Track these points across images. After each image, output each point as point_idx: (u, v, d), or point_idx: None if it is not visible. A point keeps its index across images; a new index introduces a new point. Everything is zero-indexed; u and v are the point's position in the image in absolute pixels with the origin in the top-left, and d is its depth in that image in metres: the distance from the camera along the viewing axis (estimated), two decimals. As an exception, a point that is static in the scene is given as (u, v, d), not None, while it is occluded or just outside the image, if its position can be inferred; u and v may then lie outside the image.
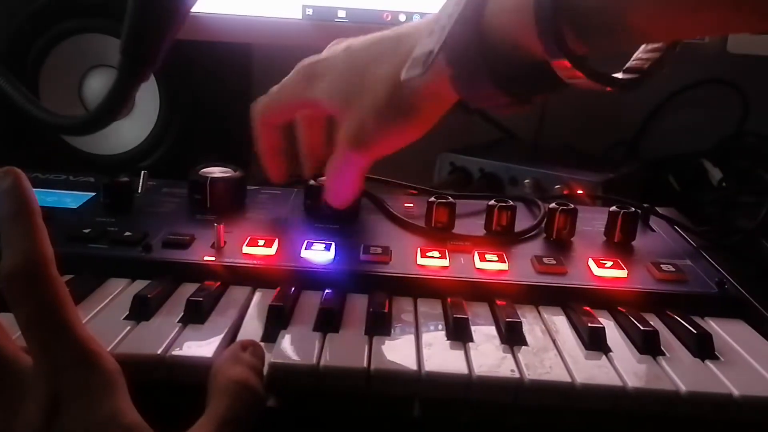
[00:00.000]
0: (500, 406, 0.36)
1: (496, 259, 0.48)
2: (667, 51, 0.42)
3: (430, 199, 0.54)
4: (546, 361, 0.38)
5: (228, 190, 0.55)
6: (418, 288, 0.46)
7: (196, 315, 0.40)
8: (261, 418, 0.33)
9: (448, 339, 0.40)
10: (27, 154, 0.74)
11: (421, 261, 0.47)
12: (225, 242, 0.48)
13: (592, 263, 0.48)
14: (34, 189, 0.33)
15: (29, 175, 0.33)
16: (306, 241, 0.49)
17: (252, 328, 0.41)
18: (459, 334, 0.40)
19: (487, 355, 0.38)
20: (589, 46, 0.38)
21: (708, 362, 0.39)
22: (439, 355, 0.38)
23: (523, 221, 0.55)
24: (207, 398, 0.33)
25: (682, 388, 0.36)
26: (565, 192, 0.71)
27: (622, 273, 0.47)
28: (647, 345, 0.40)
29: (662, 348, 0.40)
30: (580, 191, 0.70)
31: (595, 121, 0.92)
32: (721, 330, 0.43)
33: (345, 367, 0.36)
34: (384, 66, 0.46)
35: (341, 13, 0.74)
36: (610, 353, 0.39)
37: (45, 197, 0.56)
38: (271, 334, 0.39)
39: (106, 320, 0.40)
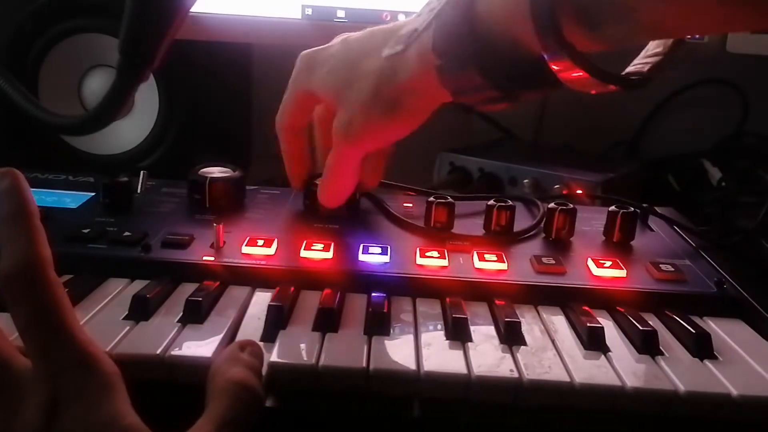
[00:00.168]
0: (499, 406, 0.36)
1: (495, 259, 0.48)
2: (668, 55, 0.41)
3: (429, 199, 0.54)
4: (545, 361, 0.38)
5: (227, 190, 0.55)
6: (417, 288, 0.46)
7: (195, 315, 0.40)
8: (260, 418, 0.33)
9: (447, 339, 0.40)
10: (26, 154, 0.74)
11: (420, 261, 0.47)
12: (224, 242, 0.48)
13: (591, 263, 0.48)
14: (34, 189, 0.33)
15: (29, 175, 0.33)
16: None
17: (251, 328, 0.41)
18: (458, 334, 0.40)
19: (486, 355, 0.38)
20: (590, 40, 0.37)
21: (707, 362, 0.39)
22: (438, 355, 0.38)
23: (522, 221, 0.55)
24: (206, 399, 0.33)
25: (681, 387, 0.36)
26: (564, 192, 0.71)
27: (621, 273, 0.47)
28: (646, 345, 0.40)
29: (661, 348, 0.40)
30: (579, 191, 0.70)
31: (594, 121, 0.92)
32: (720, 330, 0.43)
33: (344, 367, 0.36)
34: (372, 59, 0.46)
35: (341, 13, 0.74)
36: (609, 353, 0.39)
37: (44, 197, 0.56)
38: (270, 334, 0.39)
39: (105, 320, 0.40)
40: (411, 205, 0.58)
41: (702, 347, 0.40)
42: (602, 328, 0.41)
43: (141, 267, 0.46)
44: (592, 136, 0.94)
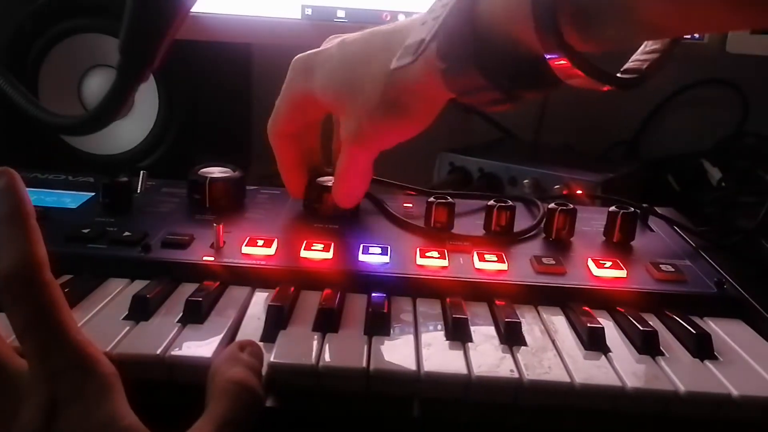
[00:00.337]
0: (499, 406, 0.36)
1: (496, 259, 0.48)
2: (666, 52, 0.41)
3: (429, 199, 0.54)
4: (545, 362, 0.38)
5: (227, 189, 0.55)
6: (417, 288, 0.46)
7: (195, 315, 0.40)
8: (260, 418, 0.33)
9: (447, 339, 0.40)
10: (26, 154, 0.74)
11: (420, 261, 0.47)
12: (224, 242, 0.48)
13: (591, 263, 0.48)
14: (34, 189, 0.33)
15: (28, 175, 0.33)
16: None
17: (251, 328, 0.41)
18: (458, 334, 0.40)
19: (486, 355, 0.38)
20: (590, 41, 0.37)
21: (707, 362, 0.39)
22: (439, 355, 0.38)
23: (522, 221, 0.55)
24: (206, 399, 0.33)
25: (681, 388, 0.36)
26: (564, 192, 0.71)
27: (622, 273, 0.47)
28: (646, 345, 0.40)
29: (661, 348, 0.40)
30: (579, 191, 0.70)
31: (594, 121, 0.92)
32: (720, 330, 0.43)
33: (344, 367, 0.36)
34: (376, 63, 0.46)
35: (340, 13, 0.74)
36: (609, 353, 0.39)
37: (44, 197, 0.55)
38: (270, 334, 0.39)
39: (105, 320, 0.40)
40: (411, 205, 0.58)
41: (702, 347, 0.40)
42: (602, 328, 0.41)
43: (141, 267, 0.46)
44: (592, 136, 0.94)
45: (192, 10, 0.39)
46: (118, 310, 0.41)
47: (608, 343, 0.40)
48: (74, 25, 0.72)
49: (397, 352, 0.38)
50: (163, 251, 0.47)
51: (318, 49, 0.51)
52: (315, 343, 0.38)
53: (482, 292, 0.45)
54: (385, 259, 0.47)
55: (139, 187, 0.58)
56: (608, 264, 0.48)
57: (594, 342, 0.40)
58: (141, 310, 0.40)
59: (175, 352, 0.37)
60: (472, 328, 0.41)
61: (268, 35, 0.74)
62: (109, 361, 0.31)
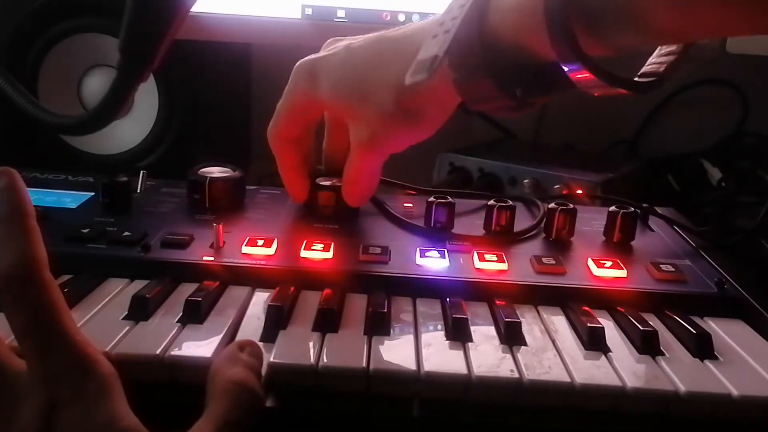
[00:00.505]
0: (499, 406, 0.36)
1: (496, 259, 0.48)
2: (682, 54, 0.41)
3: (429, 199, 0.53)
4: (545, 362, 0.38)
5: (227, 189, 0.55)
6: (417, 288, 0.45)
7: (195, 315, 0.40)
8: (260, 418, 0.33)
9: (447, 339, 0.40)
10: (26, 153, 0.74)
11: (420, 261, 0.47)
12: (224, 242, 0.48)
13: (591, 263, 0.48)
14: (33, 189, 0.33)
15: (28, 175, 0.33)
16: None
17: (251, 328, 0.41)
18: (458, 334, 0.40)
19: (486, 355, 0.38)
20: (603, 47, 0.37)
21: (707, 362, 0.39)
22: (439, 355, 0.38)
23: (522, 221, 0.55)
24: (206, 399, 0.33)
25: (682, 388, 0.36)
26: (564, 192, 0.71)
27: (622, 273, 0.47)
28: (646, 345, 0.40)
29: (661, 348, 0.40)
30: (579, 191, 0.70)
31: (594, 121, 0.92)
32: (721, 330, 0.43)
33: (344, 367, 0.36)
34: (387, 70, 0.46)
35: (340, 13, 0.74)
36: (610, 353, 0.39)
37: (44, 197, 0.55)
38: (270, 334, 0.39)
39: (104, 320, 0.40)
40: (411, 205, 0.58)
41: (702, 347, 0.40)
42: (602, 328, 0.41)
43: (140, 267, 0.46)
44: (592, 136, 0.94)
45: (192, 9, 0.39)
46: (118, 310, 0.41)
47: (608, 343, 0.40)
48: (74, 25, 0.72)
49: (397, 352, 0.38)
50: (162, 251, 0.47)
51: (321, 54, 0.51)
52: (315, 343, 0.38)
53: (482, 292, 0.45)
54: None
55: (138, 187, 0.58)
56: (608, 264, 0.48)
57: (594, 342, 0.40)
58: (140, 310, 0.40)
59: (175, 352, 0.37)
60: (472, 328, 0.41)
61: (268, 35, 0.74)
62: (109, 362, 0.31)
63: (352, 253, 0.48)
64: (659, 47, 0.42)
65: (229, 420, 0.31)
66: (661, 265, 0.48)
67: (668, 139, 0.95)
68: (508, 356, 0.38)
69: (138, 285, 0.44)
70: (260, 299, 0.44)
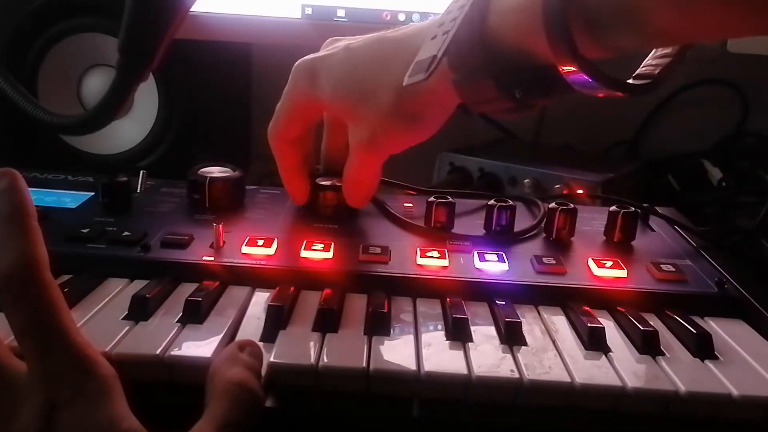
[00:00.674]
0: (500, 406, 0.36)
1: (496, 259, 0.48)
2: (678, 56, 0.41)
3: (429, 199, 0.53)
4: (545, 362, 0.38)
5: (227, 189, 0.55)
6: (417, 288, 0.45)
7: (195, 315, 0.40)
8: (260, 418, 0.33)
9: (447, 339, 0.40)
10: (26, 153, 0.74)
11: (420, 261, 0.47)
12: (224, 242, 0.48)
13: (591, 263, 0.48)
14: (33, 189, 0.33)
15: (28, 175, 0.33)
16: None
17: (251, 328, 0.41)
18: (458, 334, 0.40)
19: (486, 355, 0.38)
20: (601, 49, 0.37)
21: (707, 362, 0.39)
22: (439, 355, 0.38)
23: (522, 221, 0.54)
24: (205, 400, 0.33)
25: (682, 388, 0.36)
26: (564, 192, 0.71)
27: (622, 273, 0.47)
28: (647, 345, 0.40)
29: (662, 348, 0.40)
30: (579, 191, 0.70)
31: (594, 120, 0.92)
32: (721, 330, 0.43)
33: (344, 367, 0.36)
34: (387, 71, 0.46)
35: (340, 13, 0.74)
36: (610, 353, 0.39)
37: (44, 197, 0.55)
38: (270, 334, 0.39)
39: (104, 320, 0.40)
40: (411, 204, 0.58)
41: (703, 347, 0.40)
42: (603, 328, 0.40)
43: (140, 267, 0.46)
44: (592, 136, 0.94)
45: (192, 9, 0.39)
46: (118, 310, 0.41)
47: (609, 343, 0.40)
48: (73, 25, 0.72)
49: (397, 352, 0.38)
50: (162, 251, 0.47)
51: (321, 54, 0.51)
52: (315, 343, 0.38)
53: (482, 291, 0.45)
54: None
55: (138, 187, 0.58)
56: (609, 264, 0.48)
57: (594, 342, 0.40)
58: (140, 310, 0.40)
59: (175, 352, 0.37)
60: (473, 328, 0.41)
61: (268, 35, 0.74)
62: (109, 363, 0.31)
63: (352, 253, 0.48)
64: (655, 50, 0.42)
65: (229, 421, 0.31)
66: (661, 265, 0.48)
67: (668, 139, 0.95)
68: (509, 356, 0.38)
69: (138, 285, 0.44)
70: (260, 299, 0.44)
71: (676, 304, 0.45)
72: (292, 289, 0.44)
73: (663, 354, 0.39)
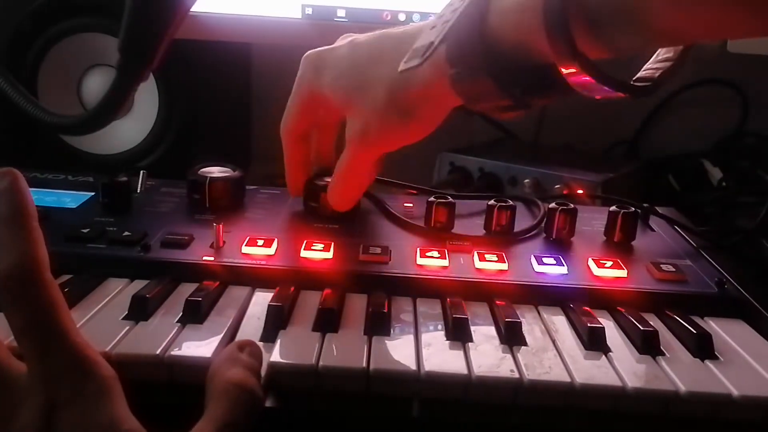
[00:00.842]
0: (499, 406, 0.36)
1: (496, 259, 0.48)
2: (679, 60, 0.41)
3: (429, 199, 0.53)
4: (545, 362, 0.38)
5: (227, 189, 0.55)
6: (417, 288, 0.45)
7: (195, 315, 0.40)
8: (260, 419, 0.33)
9: (447, 339, 0.40)
10: (26, 153, 0.74)
11: (420, 261, 0.47)
12: (224, 242, 0.48)
13: (591, 263, 0.48)
14: (33, 189, 0.33)
15: (28, 175, 0.33)
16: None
17: (251, 328, 0.41)
18: (458, 334, 0.40)
19: (486, 356, 0.38)
20: (602, 49, 0.37)
21: (708, 362, 0.39)
22: (439, 355, 0.38)
23: (522, 221, 0.54)
24: (205, 400, 0.33)
25: (682, 388, 0.36)
26: (564, 192, 0.71)
27: (622, 273, 0.47)
28: (647, 345, 0.40)
29: (662, 348, 0.40)
30: (579, 191, 0.70)
31: (594, 120, 0.92)
32: (721, 330, 0.43)
33: (344, 367, 0.36)
34: (386, 66, 0.46)
35: (341, 13, 0.74)
36: (610, 353, 0.39)
37: (44, 197, 0.55)
38: (270, 334, 0.39)
39: (104, 320, 0.40)
40: (411, 204, 0.58)
41: (703, 347, 0.40)
42: (603, 328, 0.40)
43: (140, 267, 0.46)
44: (591, 136, 0.94)
45: (192, 9, 0.39)
46: (118, 310, 0.41)
47: (609, 343, 0.40)
48: (73, 25, 0.72)
49: (397, 352, 0.38)
50: (162, 251, 0.47)
51: (329, 47, 0.51)
52: (315, 343, 0.38)
53: (482, 291, 0.45)
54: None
55: (138, 187, 0.58)
56: (609, 264, 0.48)
57: (594, 342, 0.40)
58: (140, 310, 0.40)
59: (175, 352, 0.37)
60: (473, 328, 0.41)
61: (268, 35, 0.74)
62: (109, 364, 0.31)
63: (353, 253, 0.48)
64: (656, 53, 0.42)
65: (228, 421, 0.31)
66: (661, 265, 0.48)
67: (669, 139, 0.95)
68: (509, 356, 0.38)
69: (138, 285, 0.44)
70: (260, 299, 0.44)
71: (676, 304, 0.45)
72: (292, 289, 0.44)
73: (663, 354, 0.39)
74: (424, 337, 0.40)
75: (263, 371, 0.36)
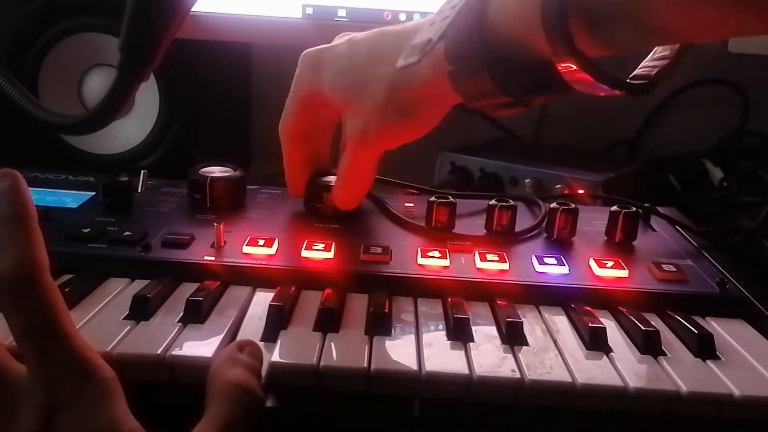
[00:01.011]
0: (501, 406, 0.36)
1: (497, 258, 0.48)
2: (675, 58, 0.41)
3: (430, 199, 0.53)
4: (547, 362, 0.38)
5: (228, 189, 0.55)
6: (418, 288, 0.45)
7: (195, 315, 0.40)
8: (260, 419, 0.33)
9: (448, 339, 0.40)
10: (26, 153, 0.74)
11: (421, 261, 0.47)
12: (225, 242, 0.48)
13: (593, 263, 0.48)
14: (34, 189, 0.33)
15: (28, 175, 0.33)
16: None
17: (252, 328, 0.41)
18: (459, 334, 0.40)
19: (487, 355, 0.38)
20: (601, 46, 0.37)
21: (709, 362, 0.39)
22: (440, 355, 0.38)
23: (523, 221, 0.54)
24: (205, 401, 0.32)
25: (683, 388, 0.36)
26: (565, 192, 0.70)
27: (623, 273, 0.47)
28: (648, 345, 0.40)
29: (663, 348, 0.40)
30: (580, 191, 0.70)
31: (595, 120, 0.92)
32: (723, 330, 0.43)
33: (345, 367, 0.36)
34: (384, 65, 0.46)
35: (341, 12, 0.74)
36: (611, 353, 0.39)
37: (44, 197, 0.55)
38: (271, 334, 0.39)
39: (105, 320, 0.40)
40: (412, 204, 0.58)
41: (704, 347, 0.40)
42: (604, 328, 0.40)
43: (141, 267, 0.46)
44: (592, 136, 0.94)
45: (192, 9, 0.39)
46: (119, 309, 0.41)
47: (610, 343, 0.40)
48: (74, 25, 0.72)
49: (398, 352, 0.38)
50: (163, 251, 0.47)
51: (328, 45, 0.51)
52: (316, 343, 0.38)
53: (484, 291, 0.45)
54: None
55: (139, 187, 0.58)
56: (610, 264, 0.48)
57: (596, 342, 0.40)
58: (141, 310, 0.40)
59: (176, 351, 0.37)
60: (474, 328, 0.41)
61: (269, 35, 0.74)
62: (108, 366, 0.30)
63: (353, 253, 0.48)
64: (653, 51, 0.42)
65: (228, 422, 0.31)
66: (662, 265, 0.48)
67: (669, 139, 0.95)
68: (510, 356, 0.38)
69: (139, 285, 0.44)
70: (261, 299, 0.44)
71: (678, 304, 0.45)
72: (293, 288, 0.44)
73: (664, 354, 0.39)
74: (425, 337, 0.40)
75: (264, 371, 0.36)
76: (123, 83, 0.39)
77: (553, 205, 0.53)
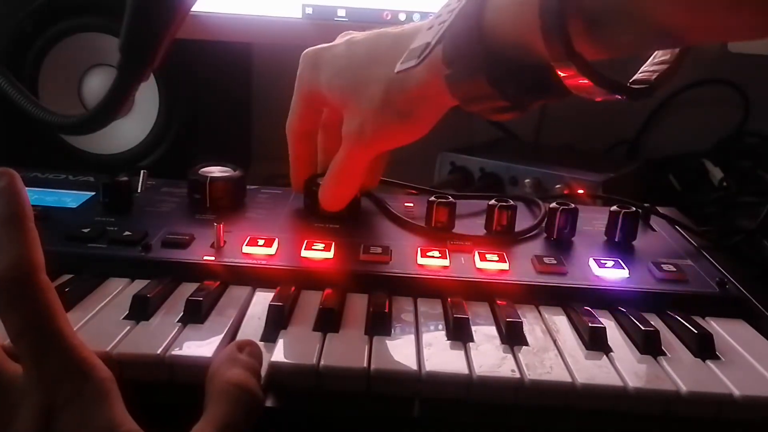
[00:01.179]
0: (500, 406, 0.36)
1: (497, 258, 0.48)
2: (675, 63, 0.41)
3: (430, 199, 0.53)
4: (546, 362, 0.38)
5: (227, 189, 0.55)
6: (418, 288, 0.45)
7: (195, 315, 0.40)
8: (260, 419, 0.33)
9: (448, 339, 0.40)
10: (26, 153, 0.74)
11: (421, 261, 0.47)
12: (225, 242, 0.48)
13: (592, 263, 0.48)
14: (34, 188, 0.33)
15: (28, 175, 0.33)
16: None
17: (252, 327, 0.41)
18: (459, 334, 0.40)
19: (487, 355, 0.38)
20: (600, 49, 0.37)
21: (709, 362, 0.39)
22: (440, 355, 0.38)
23: (523, 221, 0.54)
24: (205, 401, 0.32)
25: (683, 388, 0.36)
26: (565, 191, 0.71)
27: (623, 273, 0.47)
28: (648, 345, 0.40)
29: (663, 348, 0.40)
30: (580, 191, 0.70)
31: (595, 120, 0.92)
32: (722, 330, 0.43)
33: (345, 367, 0.36)
34: (382, 66, 0.46)
35: (341, 12, 0.74)
36: (611, 353, 0.39)
37: (44, 197, 0.55)
38: (270, 334, 0.39)
39: (105, 320, 0.40)
40: (412, 204, 0.58)
41: (704, 347, 0.40)
42: (604, 328, 0.40)
43: (141, 267, 0.46)
44: (592, 136, 0.94)
45: (192, 9, 0.39)
46: (119, 309, 0.41)
47: (610, 342, 0.40)
48: (74, 25, 0.72)
49: (398, 352, 0.38)
50: (163, 251, 0.47)
51: (327, 45, 0.51)
52: (316, 343, 0.38)
53: (483, 291, 0.45)
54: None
55: (139, 187, 0.58)
56: (610, 263, 0.48)
57: (595, 342, 0.40)
58: (141, 310, 0.40)
59: (176, 351, 0.37)
60: (474, 328, 0.41)
61: (269, 35, 0.74)
62: (106, 366, 0.30)
63: (353, 253, 0.48)
64: (653, 55, 0.42)
65: (228, 422, 0.31)
66: (662, 265, 0.48)
67: (669, 139, 0.96)
68: (510, 356, 0.38)
69: (138, 285, 0.44)
70: (261, 299, 0.44)
71: (678, 304, 0.45)
72: (292, 288, 0.44)
73: (664, 354, 0.39)
74: (425, 337, 0.40)
75: (264, 371, 0.36)
76: (123, 83, 0.39)
77: (553, 205, 0.53)
